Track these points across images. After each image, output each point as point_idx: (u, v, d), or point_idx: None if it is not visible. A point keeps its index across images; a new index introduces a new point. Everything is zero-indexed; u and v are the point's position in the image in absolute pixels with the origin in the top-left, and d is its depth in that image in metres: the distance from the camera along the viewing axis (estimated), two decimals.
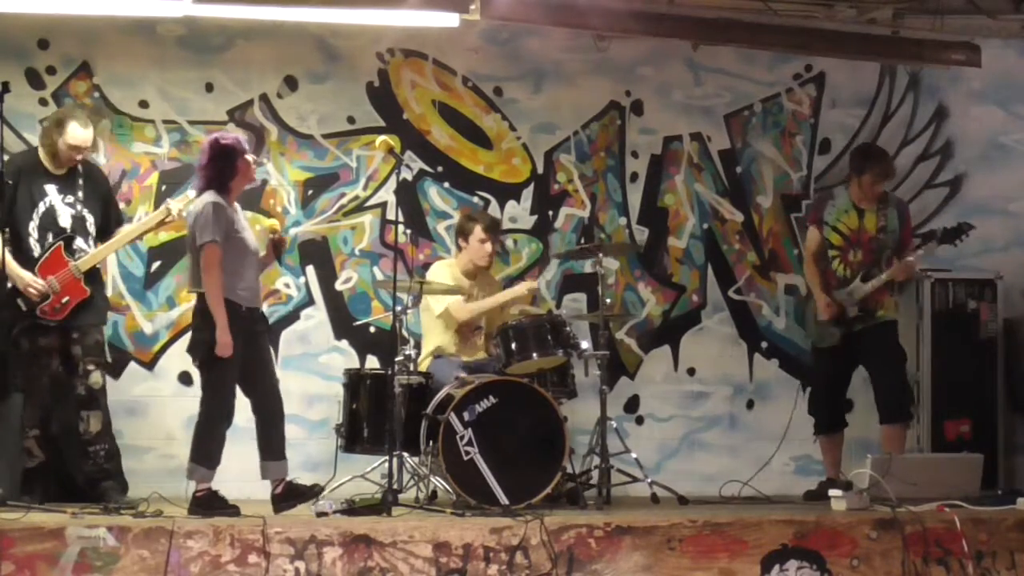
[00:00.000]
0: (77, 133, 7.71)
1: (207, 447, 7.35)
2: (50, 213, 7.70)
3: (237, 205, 7.61)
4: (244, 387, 7.48)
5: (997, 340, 9.39)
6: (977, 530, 7.31)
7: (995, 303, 9.39)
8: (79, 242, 7.76)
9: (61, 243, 7.69)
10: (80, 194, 7.78)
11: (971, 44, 9.16)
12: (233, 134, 7.84)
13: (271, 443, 7.48)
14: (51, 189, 7.73)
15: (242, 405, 7.50)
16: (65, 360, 7.73)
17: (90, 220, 7.82)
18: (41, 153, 7.80)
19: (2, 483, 7.37)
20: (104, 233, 7.89)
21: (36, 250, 7.68)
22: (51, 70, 8.80)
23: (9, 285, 7.54)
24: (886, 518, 7.28)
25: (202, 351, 7.37)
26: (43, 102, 8.77)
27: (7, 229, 7.51)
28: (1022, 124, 9.82)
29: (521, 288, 8.63)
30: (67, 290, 7.65)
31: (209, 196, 7.40)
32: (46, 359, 7.70)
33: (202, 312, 7.38)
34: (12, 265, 7.50)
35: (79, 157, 7.79)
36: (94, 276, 7.81)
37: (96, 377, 7.73)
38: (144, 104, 8.89)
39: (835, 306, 8.46)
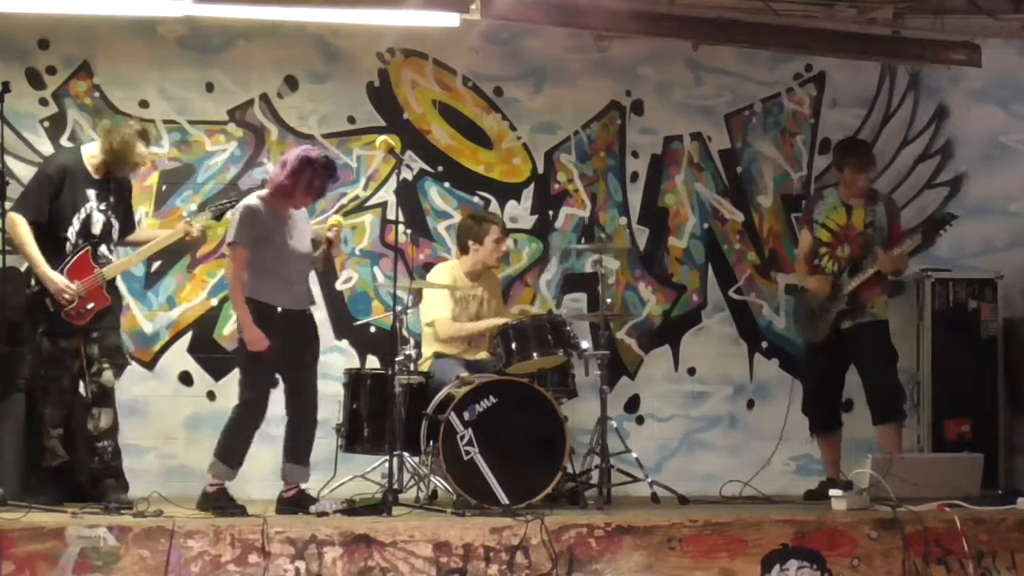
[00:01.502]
0: (147, 149, 7.84)
1: (232, 445, 7.38)
2: (88, 219, 7.67)
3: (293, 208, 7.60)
4: (285, 388, 7.53)
5: (997, 340, 9.39)
6: (977, 530, 7.30)
7: (995, 303, 9.39)
8: (102, 249, 7.74)
9: (88, 248, 7.65)
10: (112, 200, 7.76)
11: (971, 44, 9.15)
12: (326, 152, 7.80)
13: (299, 448, 7.51)
14: (92, 195, 7.68)
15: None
16: (85, 361, 7.70)
17: (116, 227, 7.81)
18: (85, 155, 7.75)
19: (3, 483, 7.38)
20: (121, 240, 7.90)
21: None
22: (51, 70, 8.80)
23: (35, 285, 7.58)
24: (887, 518, 7.27)
25: (239, 351, 7.45)
26: (43, 102, 8.78)
27: (46, 230, 7.55)
28: (1022, 124, 9.81)
29: (499, 321, 8.32)
30: (91, 296, 7.61)
31: (250, 199, 7.46)
32: (68, 360, 7.68)
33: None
34: (45, 268, 7.52)
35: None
36: (113, 284, 7.82)
37: (108, 376, 7.70)
38: (144, 104, 8.88)
39: (828, 281, 8.42)
